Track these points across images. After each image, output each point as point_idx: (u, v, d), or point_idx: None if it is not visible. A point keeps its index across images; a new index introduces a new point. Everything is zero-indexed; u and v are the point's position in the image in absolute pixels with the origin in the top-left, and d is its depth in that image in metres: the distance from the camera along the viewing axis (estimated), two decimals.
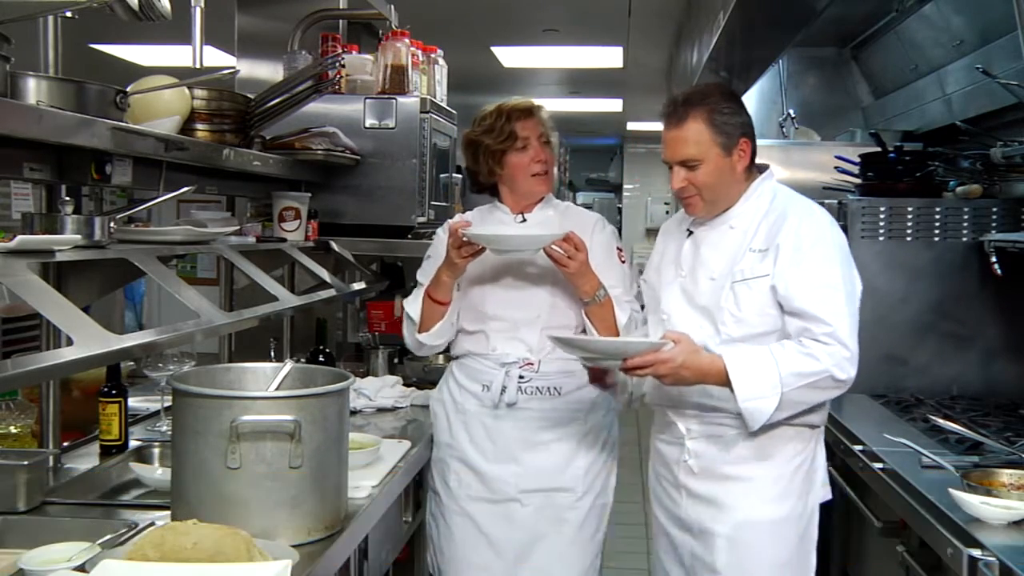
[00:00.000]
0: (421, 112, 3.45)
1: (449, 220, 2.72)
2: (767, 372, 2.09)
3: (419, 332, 2.66)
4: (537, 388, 2.62)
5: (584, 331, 2.59)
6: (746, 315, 2.19)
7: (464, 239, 2.47)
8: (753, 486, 2.24)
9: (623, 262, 2.68)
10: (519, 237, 2.53)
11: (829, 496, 2.34)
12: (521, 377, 2.61)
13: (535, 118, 2.64)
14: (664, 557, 2.44)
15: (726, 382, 2.12)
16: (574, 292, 2.56)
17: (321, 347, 3.42)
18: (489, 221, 2.72)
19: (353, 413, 3.05)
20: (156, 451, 2.55)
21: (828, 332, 2.09)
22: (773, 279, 2.16)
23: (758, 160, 2.32)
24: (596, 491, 2.67)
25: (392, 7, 3.94)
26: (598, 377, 2.44)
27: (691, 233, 2.34)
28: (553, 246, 2.46)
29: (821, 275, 2.14)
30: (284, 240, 3.12)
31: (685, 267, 2.33)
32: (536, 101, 2.72)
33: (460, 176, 4.25)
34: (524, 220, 2.68)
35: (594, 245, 2.61)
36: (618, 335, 2.52)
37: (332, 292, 3.05)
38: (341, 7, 3.72)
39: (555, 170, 2.70)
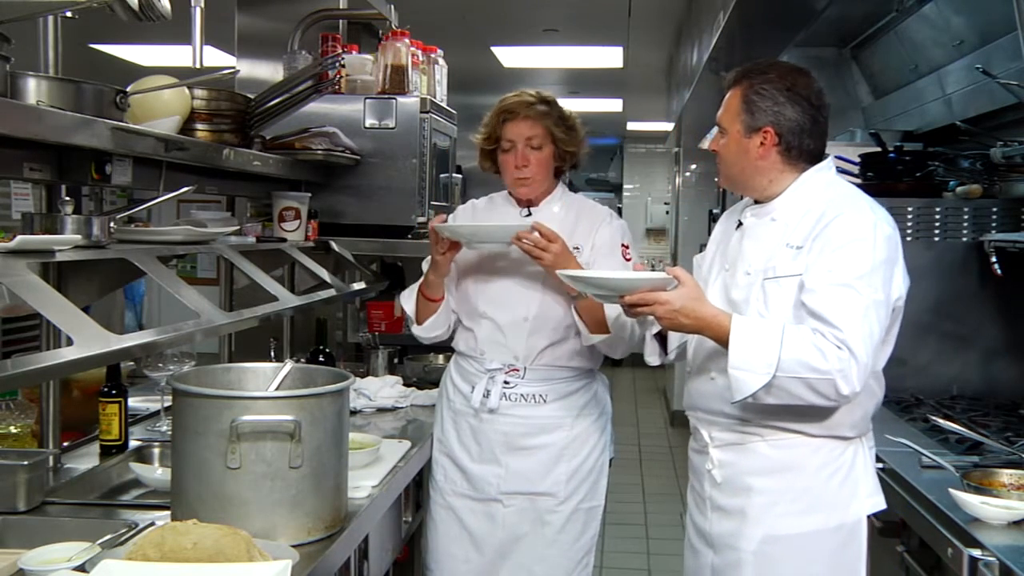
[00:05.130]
0: (421, 112, 3.45)
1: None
2: (768, 348, 1.94)
3: (415, 325, 2.73)
4: (522, 395, 2.61)
5: (577, 332, 2.59)
6: (773, 315, 2.06)
7: (441, 236, 2.53)
8: (777, 499, 2.11)
9: (628, 259, 2.61)
10: (485, 227, 2.61)
11: (882, 507, 2.16)
12: (506, 383, 2.61)
13: (527, 120, 2.58)
14: (688, 574, 2.35)
15: (725, 341, 1.99)
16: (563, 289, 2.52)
17: (321, 347, 3.42)
18: (495, 210, 2.74)
19: (353, 413, 3.05)
20: (156, 451, 2.55)
21: (840, 338, 1.93)
22: (802, 276, 2.03)
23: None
24: (581, 495, 2.66)
25: (392, 7, 3.94)
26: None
27: (740, 224, 2.22)
28: (524, 240, 2.45)
29: (842, 276, 1.98)
30: (284, 240, 3.12)
31: (729, 261, 2.21)
32: (539, 94, 2.65)
33: (460, 176, 4.26)
34: (530, 214, 2.68)
35: (598, 239, 2.62)
36: (608, 332, 2.50)
37: (332, 292, 3.05)
38: (341, 7, 3.72)
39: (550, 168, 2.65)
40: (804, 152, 2.13)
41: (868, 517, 2.14)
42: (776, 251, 2.09)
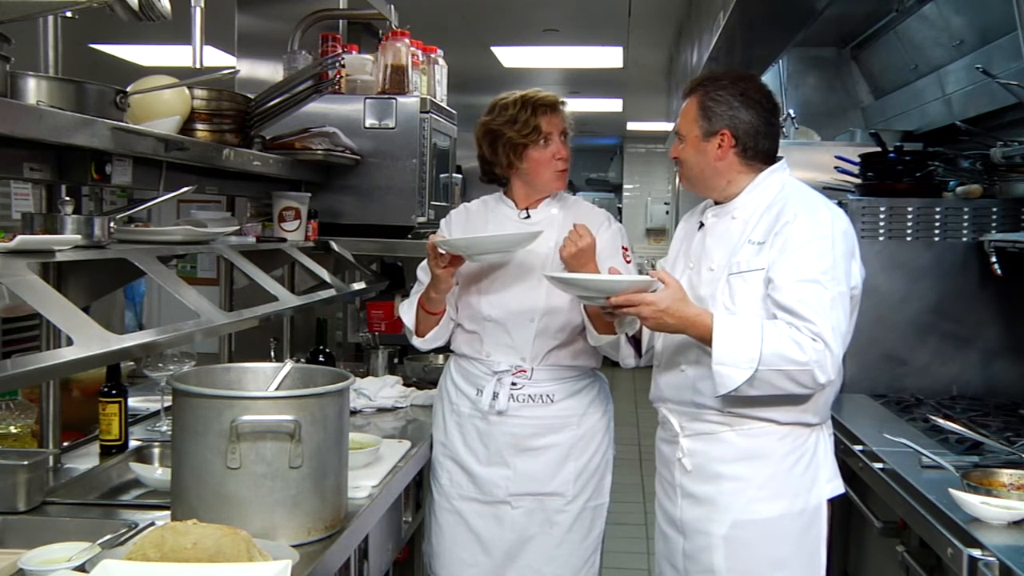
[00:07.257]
0: (421, 112, 3.45)
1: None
2: (750, 343, 2.06)
3: (416, 336, 2.70)
4: (529, 396, 2.61)
5: (582, 331, 2.59)
6: (740, 309, 2.17)
7: (441, 251, 2.48)
8: (746, 485, 2.22)
9: (628, 262, 2.64)
10: (483, 239, 2.53)
11: (840, 491, 2.30)
12: (514, 384, 2.61)
13: (559, 114, 2.62)
14: (660, 559, 2.44)
15: (708, 340, 2.09)
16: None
17: (321, 347, 3.42)
18: (490, 213, 2.72)
19: (353, 413, 3.05)
20: (156, 451, 2.55)
21: (814, 331, 2.06)
22: (768, 272, 2.14)
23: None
24: (588, 494, 2.66)
25: (392, 7, 3.94)
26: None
27: (702, 225, 2.35)
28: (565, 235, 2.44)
29: (808, 272, 2.10)
30: (284, 240, 3.12)
31: (693, 259, 2.33)
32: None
33: (460, 176, 4.26)
34: (528, 216, 2.68)
35: (600, 244, 2.61)
36: (615, 333, 2.51)
37: (332, 292, 3.05)
38: (341, 7, 3.73)
39: None
40: (759, 153, 2.27)
41: (829, 502, 2.27)
42: (739, 247, 2.21)
